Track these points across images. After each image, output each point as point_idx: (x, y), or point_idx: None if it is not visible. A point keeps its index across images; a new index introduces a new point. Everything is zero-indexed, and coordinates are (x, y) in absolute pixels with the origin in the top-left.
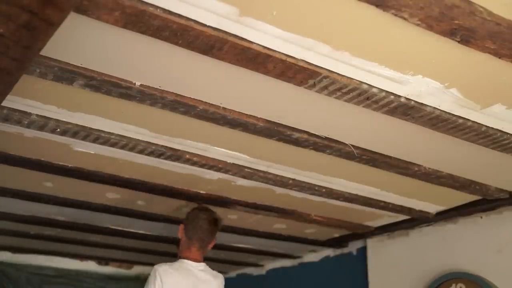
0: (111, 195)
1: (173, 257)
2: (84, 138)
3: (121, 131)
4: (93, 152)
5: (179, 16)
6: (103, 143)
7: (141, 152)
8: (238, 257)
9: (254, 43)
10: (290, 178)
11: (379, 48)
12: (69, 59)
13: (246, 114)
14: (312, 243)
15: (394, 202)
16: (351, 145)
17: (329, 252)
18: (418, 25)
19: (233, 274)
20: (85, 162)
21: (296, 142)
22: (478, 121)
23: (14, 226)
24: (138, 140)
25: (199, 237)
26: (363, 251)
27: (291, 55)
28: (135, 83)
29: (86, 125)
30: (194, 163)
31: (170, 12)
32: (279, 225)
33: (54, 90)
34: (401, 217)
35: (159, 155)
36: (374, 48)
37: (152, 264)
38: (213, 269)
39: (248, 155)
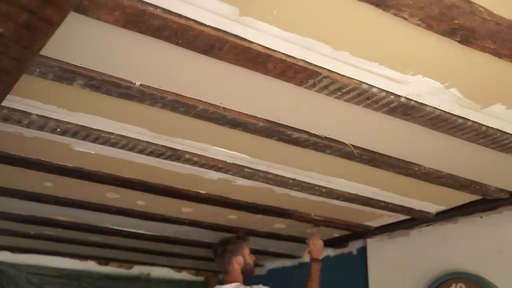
0: (111, 195)
1: (172, 257)
2: (84, 138)
3: (121, 131)
4: (93, 152)
5: (179, 16)
6: (103, 143)
7: (141, 152)
8: None
9: (254, 43)
10: (290, 178)
11: (379, 48)
12: (69, 59)
13: (246, 114)
14: None
15: (394, 202)
16: (351, 145)
17: (329, 252)
18: (418, 25)
19: None
20: (85, 162)
21: (296, 142)
22: (478, 121)
23: (14, 226)
24: (138, 140)
25: (219, 266)
26: (363, 251)
27: (291, 55)
28: (135, 83)
29: (86, 125)
30: (194, 163)
31: (170, 12)
32: (279, 225)
33: (54, 90)
34: (401, 217)
35: (159, 155)
36: (374, 48)
37: (152, 264)
38: (214, 268)
39: (248, 155)
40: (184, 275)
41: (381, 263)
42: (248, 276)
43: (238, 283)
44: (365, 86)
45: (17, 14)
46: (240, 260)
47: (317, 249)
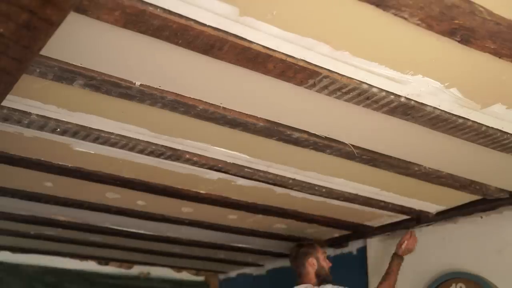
0: (111, 195)
1: (172, 257)
2: (84, 138)
3: (121, 131)
4: (93, 152)
5: (179, 16)
6: (103, 143)
7: (141, 152)
8: (238, 257)
9: (254, 43)
10: (290, 178)
11: (379, 48)
12: (69, 59)
13: (246, 114)
14: None
15: (394, 202)
16: (351, 145)
17: (329, 252)
18: (418, 24)
19: (233, 274)
20: (85, 162)
21: (296, 142)
22: (478, 121)
23: (14, 226)
24: (138, 140)
25: (295, 269)
26: (363, 251)
27: (291, 54)
28: (135, 83)
29: (86, 125)
30: (194, 163)
31: (170, 12)
32: (279, 225)
33: (54, 89)
34: (401, 217)
35: (159, 155)
36: (374, 48)
37: (152, 264)
38: (214, 268)
39: (248, 155)
40: (184, 275)
41: (381, 263)
42: (324, 281)
43: (310, 285)
44: (365, 86)
45: (17, 14)
46: (314, 262)
47: (410, 248)
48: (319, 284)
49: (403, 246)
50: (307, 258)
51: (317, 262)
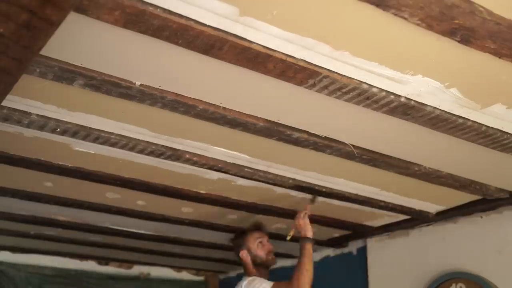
0: (111, 195)
1: (172, 257)
2: (84, 138)
3: (121, 131)
4: (93, 152)
5: (179, 16)
6: (103, 143)
7: (141, 152)
8: None
9: (254, 43)
10: (290, 178)
11: (379, 48)
12: (69, 59)
13: (246, 114)
14: None
15: (394, 202)
16: (351, 144)
17: (329, 252)
18: (418, 24)
19: (233, 274)
20: (85, 162)
21: (296, 142)
22: (478, 121)
23: (14, 226)
24: (138, 140)
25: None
26: (363, 251)
27: (291, 54)
28: (135, 83)
29: (86, 125)
30: (194, 163)
31: (170, 12)
32: (279, 225)
33: (54, 89)
34: (401, 217)
35: (159, 155)
36: (374, 48)
37: (152, 264)
38: (214, 268)
39: (248, 155)
40: (184, 275)
41: (381, 263)
42: (269, 266)
43: (254, 277)
44: (365, 86)
45: (17, 14)
46: (245, 254)
47: (306, 224)
48: (267, 268)
49: (298, 229)
50: (238, 252)
51: (249, 252)
